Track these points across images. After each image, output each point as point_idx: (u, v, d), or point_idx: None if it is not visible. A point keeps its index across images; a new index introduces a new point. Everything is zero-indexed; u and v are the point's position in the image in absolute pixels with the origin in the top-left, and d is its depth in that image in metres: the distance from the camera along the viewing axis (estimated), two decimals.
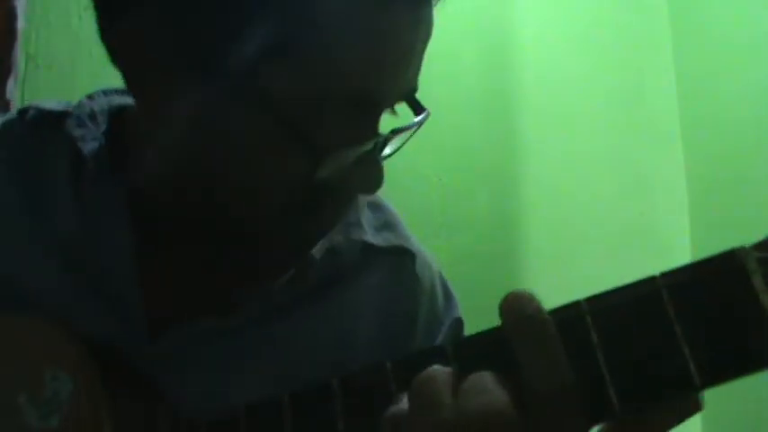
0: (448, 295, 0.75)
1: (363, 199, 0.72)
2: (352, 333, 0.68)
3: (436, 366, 0.46)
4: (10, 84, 1.08)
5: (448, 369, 0.46)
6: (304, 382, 0.51)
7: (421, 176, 1.68)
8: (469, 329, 0.71)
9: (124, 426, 0.54)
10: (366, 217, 0.72)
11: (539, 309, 0.45)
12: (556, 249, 1.81)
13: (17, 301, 0.60)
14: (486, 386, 0.44)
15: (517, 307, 0.45)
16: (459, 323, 0.74)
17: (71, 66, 1.23)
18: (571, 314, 0.46)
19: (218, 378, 0.62)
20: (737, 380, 0.43)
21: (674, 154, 2.05)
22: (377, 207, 0.74)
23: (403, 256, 0.72)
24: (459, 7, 1.79)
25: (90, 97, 0.70)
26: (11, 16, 1.00)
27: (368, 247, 0.70)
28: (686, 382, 0.43)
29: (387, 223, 0.73)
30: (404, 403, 0.46)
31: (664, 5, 2.13)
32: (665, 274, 0.45)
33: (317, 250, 0.66)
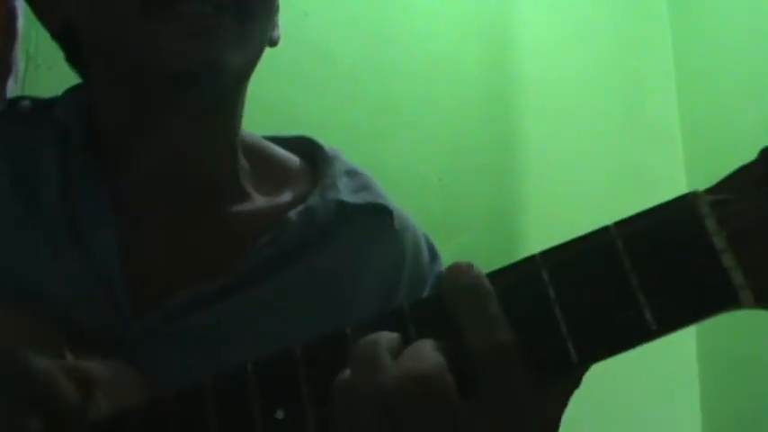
0: (434, 254, 0.76)
1: (340, 168, 0.73)
2: (340, 292, 0.68)
3: (384, 332, 0.46)
4: (10, 84, 1.08)
5: (394, 334, 0.46)
6: (293, 342, 0.50)
7: (421, 177, 1.68)
8: None
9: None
10: (343, 182, 0.72)
11: (476, 276, 0.46)
12: None
13: (14, 288, 0.61)
14: (422, 352, 0.44)
15: (454, 275, 0.47)
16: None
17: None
18: (526, 271, 0.46)
19: (205, 349, 0.62)
20: (694, 324, 0.43)
21: (674, 154, 2.05)
22: (353, 173, 0.75)
23: (380, 214, 0.73)
24: (460, 8, 1.79)
25: (77, 87, 0.73)
26: (11, 16, 1.00)
27: (343, 206, 0.70)
28: (643, 330, 0.43)
29: (363, 186, 0.74)
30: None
31: (664, 5, 2.13)
32: (618, 224, 0.45)
33: (294, 212, 0.67)
